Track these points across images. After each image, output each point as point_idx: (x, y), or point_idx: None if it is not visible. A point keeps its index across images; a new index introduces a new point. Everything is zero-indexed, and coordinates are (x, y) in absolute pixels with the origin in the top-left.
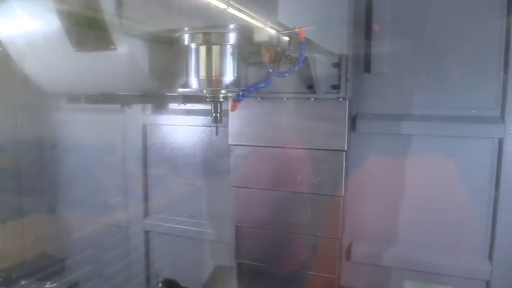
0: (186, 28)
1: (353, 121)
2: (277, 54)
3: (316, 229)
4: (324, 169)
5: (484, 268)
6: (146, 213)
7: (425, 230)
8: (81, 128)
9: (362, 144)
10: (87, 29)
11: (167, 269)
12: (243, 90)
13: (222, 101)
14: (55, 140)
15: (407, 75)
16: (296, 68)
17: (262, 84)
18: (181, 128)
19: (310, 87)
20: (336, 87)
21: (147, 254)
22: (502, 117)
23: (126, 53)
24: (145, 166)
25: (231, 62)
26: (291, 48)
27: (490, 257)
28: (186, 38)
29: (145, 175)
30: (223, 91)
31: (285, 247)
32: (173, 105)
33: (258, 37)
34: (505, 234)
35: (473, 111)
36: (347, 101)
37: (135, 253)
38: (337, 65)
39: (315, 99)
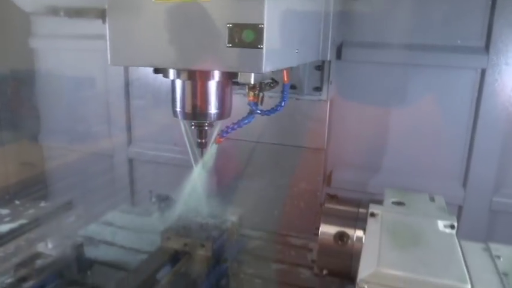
0: None
1: (338, 49)
2: (261, 87)
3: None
4: (304, 166)
5: (458, 194)
6: (130, 142)
7: (404, 157)
8: (60, 56)
9: (346, 73)
10: None
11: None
12: (227, 127)
13: (207, 129)
14: (34, 69)
15: (394, 3)
16: (279, 109)
17: (246, 121)
18: None
19: (294, 87)
20: (318, 89)
21: (132, 181)
22: (487, 47)
23: None
24: (127, 94)
25: (216, 97)
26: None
27: (464, 184)
28: (171, 73)
29: (128, 105)
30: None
31: None
32: None
33: (242, 79)
34: (479, 163)
35: (459, 41)
36: (328, 102)
37: (120, 180)
38: (320, 68)
39: (297, 99)
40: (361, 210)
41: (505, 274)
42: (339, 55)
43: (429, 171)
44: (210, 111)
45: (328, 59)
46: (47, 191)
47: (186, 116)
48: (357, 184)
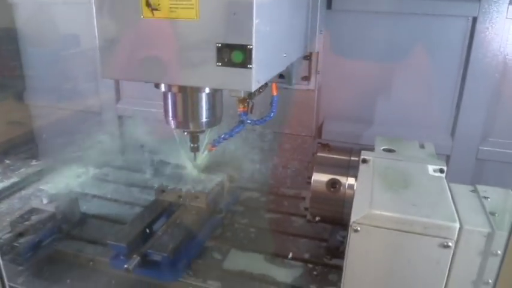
0: None
1: None
2: (251, 96)
3: None
4: (292, 152)
5: (446, 143)
6: (118, 99)
7: (393, 108)
8: (42, 11)
9: (337, 23)
10: None
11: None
12: (219, 137)
13: (198, 135)
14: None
15: None
16: (268, 119)
17: (237, 130)
18: None
19: (282, 76)
20: (306, 78)
21: (122, 137)
22: None
23: None
24: None
25: (207, 107)
26: None
27: (453, 133)
28: (163, 85)
29: None
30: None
31: None
32: None
33: (233, 94)
34: (468, 113)
35: None
36: (316, 92)
37: (110, 138)
38: (308, 57)
39: (285, 88)
40: (353, 158)
41: (492, 214)
42: (329, 4)
43: (418, 122)
44: (201, 120)
45: (316, 50)
46: (37, 149)
47: (178, 125)
48: (348, 136)
